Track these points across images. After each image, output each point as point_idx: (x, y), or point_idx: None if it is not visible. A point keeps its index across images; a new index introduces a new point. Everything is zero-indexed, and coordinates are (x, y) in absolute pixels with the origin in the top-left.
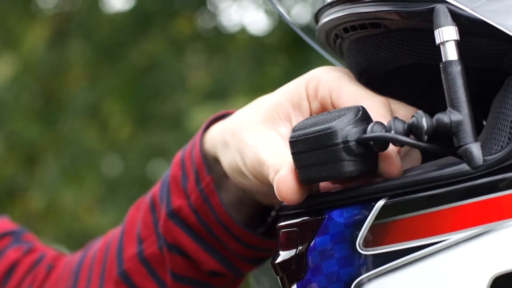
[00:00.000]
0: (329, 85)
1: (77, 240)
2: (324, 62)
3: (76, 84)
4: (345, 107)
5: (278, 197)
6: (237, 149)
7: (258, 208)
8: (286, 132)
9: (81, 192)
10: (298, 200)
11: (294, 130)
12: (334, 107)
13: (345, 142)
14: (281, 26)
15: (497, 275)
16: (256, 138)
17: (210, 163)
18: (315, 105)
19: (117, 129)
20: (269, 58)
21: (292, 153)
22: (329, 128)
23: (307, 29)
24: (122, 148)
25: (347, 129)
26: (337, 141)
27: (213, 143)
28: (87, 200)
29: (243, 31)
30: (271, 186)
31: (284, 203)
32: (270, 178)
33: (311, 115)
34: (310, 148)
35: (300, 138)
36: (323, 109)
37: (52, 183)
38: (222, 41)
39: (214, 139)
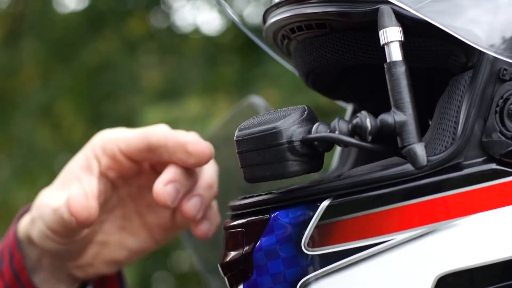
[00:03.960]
0: (114, 137)
1: None
2: (275, 61)
3: (29, 84)
4: (291, 107)
5: (70, 214)
6: (39, 216)
7: (75, 284)
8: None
9: (33, 192)
10: (92, 215)
11: (239, 130)
12: (125, 156)
13: (290, 142)
14: (234, 26)
15: (441, 275)
16: (50, 198)
17: (24, 244)
18: (105, 160)
19: (70, 129)
20: (222, 58)
21: (238, 152)
22: (274, 128)
23: (257, 30)
24: (75, 147)
25: (292, 129)
26: (282, 141)
27: (25, 226)
28: None
29: (196, 31)
30: (74, 243)
31: (232, 209)
32: (65, 214)
33: (102, 171)
34: (255, 147)
35: (245, 137)
36: (115, 162)
37: (4, 183)
38: (175, 41)
39: (25, 222)
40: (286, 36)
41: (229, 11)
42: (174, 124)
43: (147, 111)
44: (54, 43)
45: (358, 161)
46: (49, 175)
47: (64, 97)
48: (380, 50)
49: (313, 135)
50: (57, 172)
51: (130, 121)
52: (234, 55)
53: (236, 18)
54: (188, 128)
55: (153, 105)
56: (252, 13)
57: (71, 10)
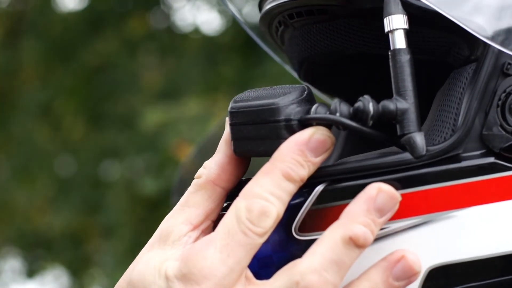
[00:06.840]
0: None
1: (28, 240)
2: (275, 62)
3: (29, 84)
4: (290, 85)
5: None
6: None
7: None
8: None
9: (33, 192)
10: None
11: (235, 101)
12: None
13: (288, 120)
14: (234, 26)
15: (432, 267)
16: None
17: None
18: None
19: (69, 129)
20: (222, 58)
21: (231, 124)
22: (272, 104)
23: (257, 28)
24: (75, 148)
25: (291, 108)
26: (280, 118)
27: None
28: (39, 200)
29: (196, 31)
30: None
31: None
32: None
33: None
34: (250, 121)
35: (242, 109)
36: None
37: (4, 183)
38: (175, 41)
39: None
40: (283, 22)
41: (233, 9)
42: (174, 124)
43: (147, 111)
44: (54, 43)
45: (344, 153)
46: (48, 175)
47: (64, 97)
48: (381, 39)
49: (312, 115)
50: (57, 172)
51: (130, 121)
52: (234, 55)
53: (239, 17)
54: (188, 128)
55: (153, 105)
56: (251, 12)
57: (71, 10)
